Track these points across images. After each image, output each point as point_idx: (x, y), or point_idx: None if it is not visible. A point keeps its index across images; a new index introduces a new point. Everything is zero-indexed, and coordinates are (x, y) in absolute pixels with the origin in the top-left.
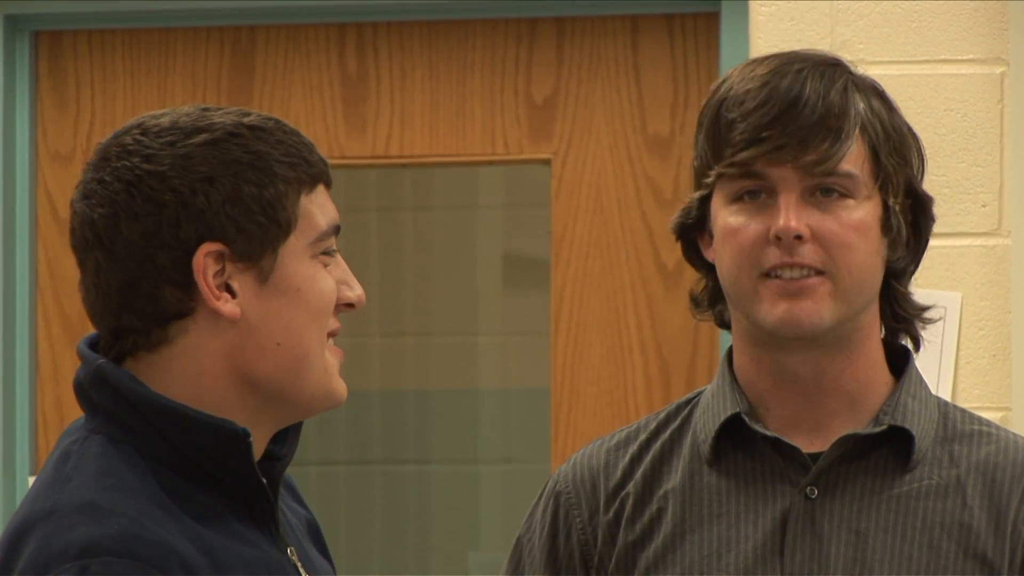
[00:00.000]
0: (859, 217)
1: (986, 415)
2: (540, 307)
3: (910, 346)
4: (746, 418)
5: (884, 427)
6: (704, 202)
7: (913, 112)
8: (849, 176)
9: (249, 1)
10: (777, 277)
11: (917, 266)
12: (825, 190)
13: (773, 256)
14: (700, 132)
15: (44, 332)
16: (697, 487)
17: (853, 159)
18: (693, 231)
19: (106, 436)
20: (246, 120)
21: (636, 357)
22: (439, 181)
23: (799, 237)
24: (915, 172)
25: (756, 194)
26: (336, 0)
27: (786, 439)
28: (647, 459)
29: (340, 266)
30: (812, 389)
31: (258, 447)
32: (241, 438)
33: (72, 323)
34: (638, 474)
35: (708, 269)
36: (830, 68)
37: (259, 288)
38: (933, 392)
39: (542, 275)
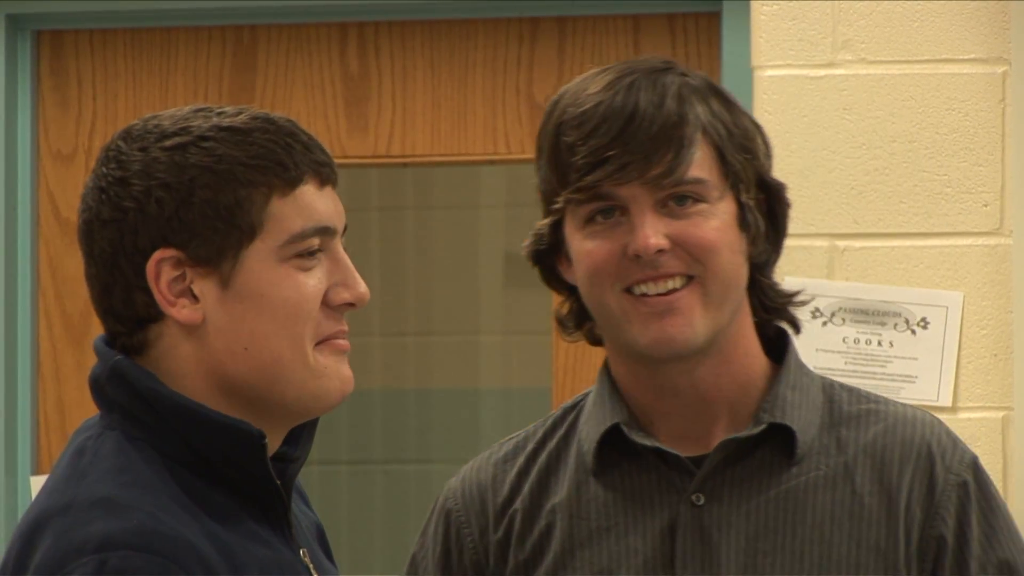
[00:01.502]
0: (716, 219)
1: (988, 415)
2: (541, 306)
3: (789, 330)
4: (625, 429)
5: (764, 426)
6: (556, 227)
7: (915, 111)
8: (699, 181)
9: (251, 0)
10: (643, 295)
11: (779, 254)
12: (678, 199)
13: (635, 271)
14: (541, 158)
15: (46, 331)
16: (584, 500)
17: (699, 164)
18: (549, 256)
19: (122, 432)
20: (226, 121)
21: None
22: (441, 180)
23: (662, 251)
24: (763, 163)
25: (609, 212)
26: (338, 0)
27: (667, 447)
28: (534, 472)
29: (339, 265)
30: (693, 399)
31: (270, 448)
32: (256, 439)
33: (74, 322)
34: (525, 488)
35: (571, 290)
36: (661, 75)
37: (221, 293)
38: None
39: None
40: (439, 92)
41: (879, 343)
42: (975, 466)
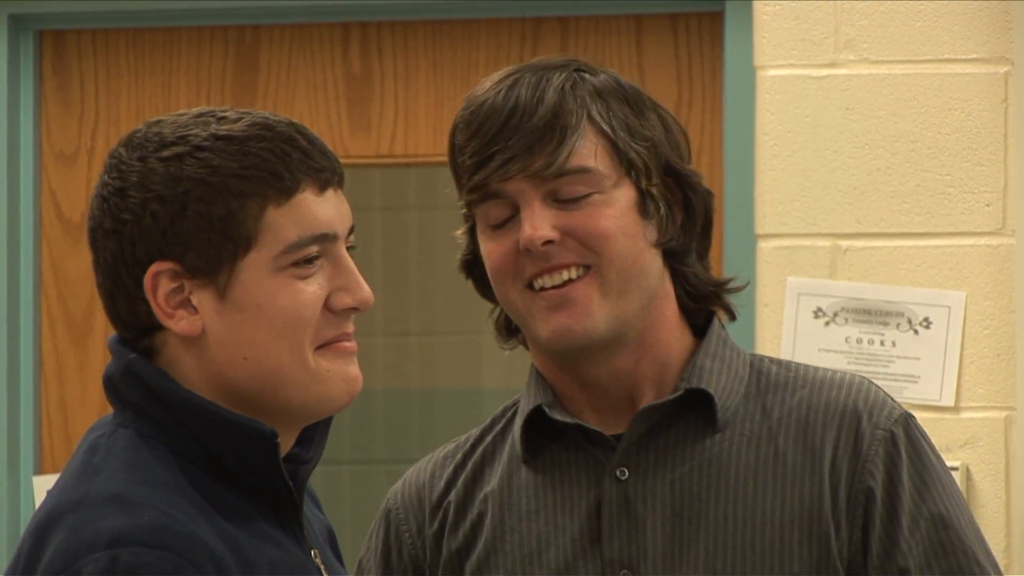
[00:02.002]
0: (609, 207)
1: (991, 415)
2: None
3: (724, 318)
4: (547, 409)
5: (680, 392)
6: (472, 234)
7: (917, 111)
8: (584, 170)
9: (253, 1)
10: (542, 289)
11: (704, 244)
12: (563, 197)
13: (530, 266)
14: (449, 165)
15: (48, 331)
16: (515, 486)
17: (585, 153)
18: (476, 265)
19: (135, 431)
20: (224, 129)
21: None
22: (443, 180)
23: (550, 242)
24: (671, 150)
25: (503, 222)
26: (340, 0)
27: (590, 424)
28: (469, 465)
29: (341, 270)
30: (614, 388)
31: (281, 448)
32: (269, 438)
33: (76, 322)
34: (460, 481)
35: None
36: (550, 72)
37: (219, 304)
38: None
39: None
40: (441, 92)
41: (882, 343)
42: (906, 422)
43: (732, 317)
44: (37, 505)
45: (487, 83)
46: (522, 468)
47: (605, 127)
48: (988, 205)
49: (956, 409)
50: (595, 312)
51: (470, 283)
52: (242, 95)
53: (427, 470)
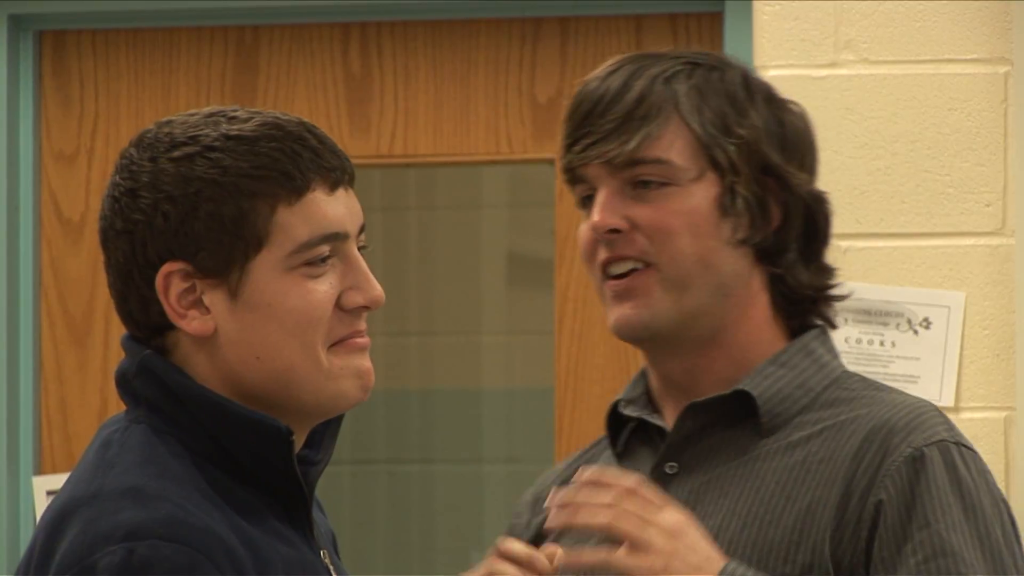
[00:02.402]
0: (679, 202)
1: (990, 415)
2: (544, 306)
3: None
4: (621, 404)
5: (727, 392)
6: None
7: (917, 111)
8: (659, 162)
9: (253, 1)
10: (610, 277)
11: (810, 248)
12: (642, 181)
13: (601, 254)
14: None
15: (48, 331)
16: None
17: (664, 144)
18: None
19: (149, 426)
20: (234, 129)
21: (640, 356)
22: (443, 181)
23: (617, 231)
24: (774, 153)
25: (591, 198)
26: (340, 0)
27: (655, 417)
28: (582, 460)
29: (352, 268)
30: (686, 384)
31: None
32: (284, 435)
33: (76, 322)
34: (569, 474)
35: None
36: (656, 61)
37: (231, 304)
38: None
39: (546, 275)
40: (441, 92)
41: (881, 343)
42: (946, 447)
43: (831, 326)
44: (36, 505)
45: (598, 68)
46: (613, 462)
47: (691, 121)
48: (988, 205)
49: (956, 409)
50: (655, 305)
51: (470, 283)
52: (242, 95)
53: (547, 475)
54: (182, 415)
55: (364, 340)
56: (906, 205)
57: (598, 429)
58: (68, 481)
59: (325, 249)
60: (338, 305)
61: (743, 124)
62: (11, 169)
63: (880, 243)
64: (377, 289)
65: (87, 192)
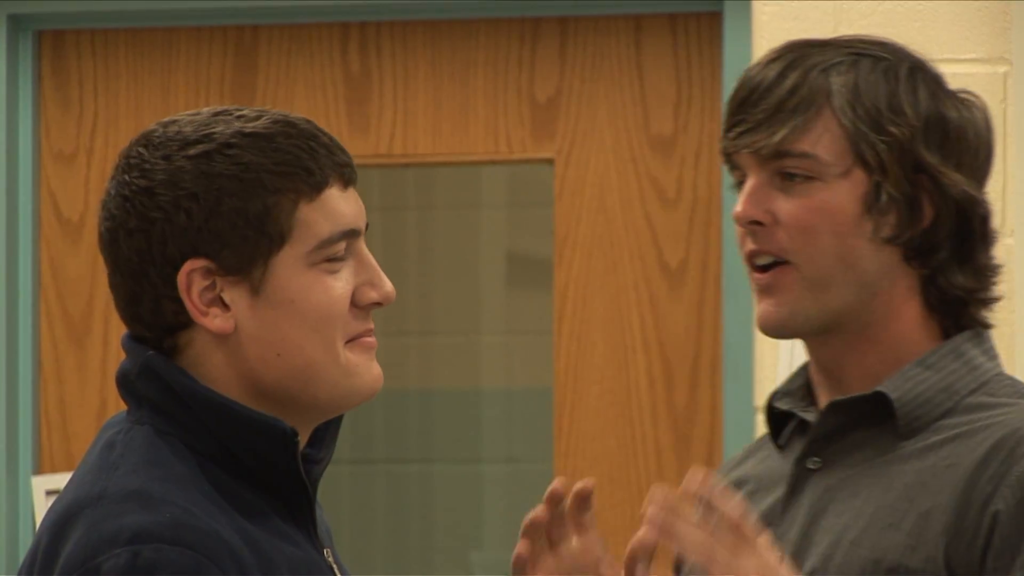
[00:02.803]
0: (822, 198)
1: None
2: (543, 307)
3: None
4: (776, 395)
5: (867, 393)
6: None
7: None
8: (806, 156)
9: (252, 1)
10: (756, 269)
11: (964, 249)
12: (788, 174)
13: (748, 243)
14: None
15: (47, 331)
16: (758, 466)
17: (811, 138)
18: None
19: (152, 428)
20: (249, 127)
21: (639, 357)
22: (442, 181)
23: (759, 223)
24: (929, 151)
25: (743, 184)
26: (339, 0)
27: (806, 412)
28: (755, 443)
29: (365, 265)
30: (836, 374)
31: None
32: (289, 437)
33: (75, 322)
34: (747, 457)
35: None
36: (813, 50)
37: (252, 300)
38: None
39: (545, 275)
40: (440, 92)
41: None
42: None
43: (984, 327)
44: (35, 505)
45: (764, 54)
46: (774, 452)
47: (842, 115)
48: None
49: None
50: (794, 303)
51: (469, 283)
52: (241, 95)
53: (742, 452)
54: (185, 416)
55: (373, 340)
56: None
57: (597, 429)
58: (71, 482)
59: (343, 245)
60: (352, 302)
61: (897, 122)
62: (10, 169)
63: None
64: (389, 285)
65: (86, 192)
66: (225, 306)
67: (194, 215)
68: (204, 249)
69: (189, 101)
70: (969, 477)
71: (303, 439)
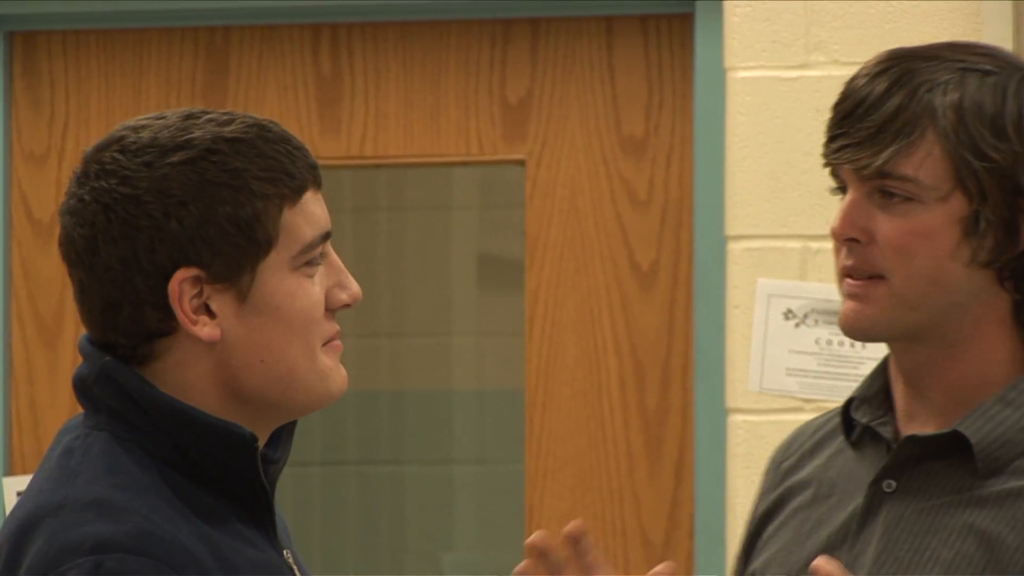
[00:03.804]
0: (921, 221)
1: None
2: (515, 308)
3: None
4: (854, 404)
5: (946, 431)
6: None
7: None
8: (908, 179)
9: (223, 2)
10: (848, 277)
11: None
12: (887, 193)
13: (843, 256)
14: None
15: (18, 333)
16: (828, 467)
17: (915, 162)
18: None
19: (110, 433)
20: (227, 131)
21: (611, 358)
22: (413, 182)
23: (855, 240)
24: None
25: (845, 191)
26: (310, 1)
27: (885, 428)
28: (818, 433)
29: (333, 268)
30: (916, 382)
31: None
32: (249, 442)
33: (46, 324)
34: (803, 447)
35: None
36: (922, 63)
37: (238, 307)
38: None
39: (517, 276)
40: (412, 93)
41: (851, 344)
42: None
43: None
44: (7, 506)
45: (872, 60)
46: (845, 451)
47: (946, 140)
48: None
49: None
50: (880, 317)
51: (440, 284)
52: (212, 96)
53: (799, 429)
54: (144, 422)
55: (341, 343)
56: None
57: (568, 430)
58: (30, 489)
59: (320, 249)
60: (324, 305)
61: (1000, 148)
62: None
63: None
64: (356, 286)
65: (57, 192)
66: (211, 314)
67: (185, 223)
68: (195, 258)
69: (160, 102)
70: None
71: (262, 441)
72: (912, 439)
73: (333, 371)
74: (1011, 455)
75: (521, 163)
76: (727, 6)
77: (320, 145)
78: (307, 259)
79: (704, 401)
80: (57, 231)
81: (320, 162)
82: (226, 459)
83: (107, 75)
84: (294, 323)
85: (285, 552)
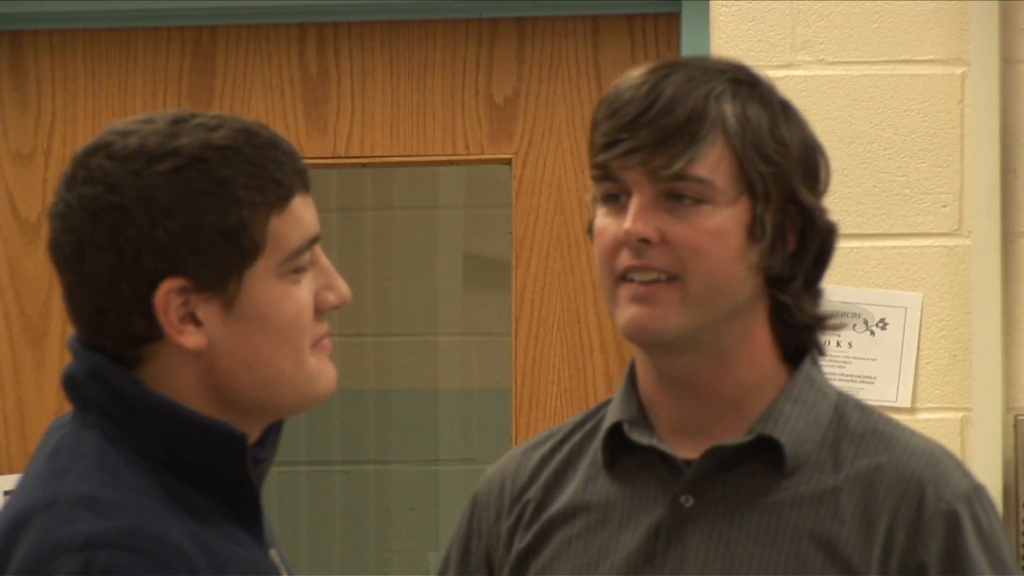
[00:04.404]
0: (714, 222)
1: (947, 416)
2: (501, 307)
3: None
4: (625, 427)
5: (752, 437)
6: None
7: (874, 112)
8: (701, 181)
9: (210, 1)
10: (631, 280)
11: (814, 274)
12: (678, 195)
13: (625, 258)
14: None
15: (5, 331)
16: (590, 493)
17: (709, 165)
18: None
19: (100, 431)
20: (214, 138)
21: (597, 357)
22: (400, 181)
23: (647, 241)
24: (801, 182)
25: (618, 196)
26: (296, 0)
27: (665, 446)
28: (553, 463)
29: (322, 270)
30: (690, 394)
31: None
32: (238, 441)
33: (33, 323)
34: (542, 478)
35: None
36: (704, 74)
37: (225, 315)
38: (893, 392)
39: (503, 275)
40: (398, 93)
41: (838, 344)
42: (970, 500)
43: (820, 353)
44: None
45: (642, 68)
46: (600, 476)
47: (737, 144)
48: (944, 206)
49: (912, 410)
50: (672, 318)
51: (427, 284)
52: (199, 96)
53: (515, 459)
54: (134, 421)
55: (329, 343)
56: (863, 206)
57: None
58: (20, 487)
59: (308, 254)
60: (313, 307)
61: (780, 152)
62: None
63: (837, 244)
64: (345, 287)
65: (44, 192)
66: (197, 322)
67: (173, 232)
68: (182, 267)
69: (147, 102)
70: (885, 528)
71: (252, 440)
72: (715, 450)
73: (321, 372)
74: (807, 450)
75: (507, 162)
76: (713, 6)
77: (306, 144)
78: (294, 266)
79: None
80: (44, 231)
81: (306, 161)
82: (216, 458)
83: (94, 74)
84: (281, 329)
85: (271, 551)
